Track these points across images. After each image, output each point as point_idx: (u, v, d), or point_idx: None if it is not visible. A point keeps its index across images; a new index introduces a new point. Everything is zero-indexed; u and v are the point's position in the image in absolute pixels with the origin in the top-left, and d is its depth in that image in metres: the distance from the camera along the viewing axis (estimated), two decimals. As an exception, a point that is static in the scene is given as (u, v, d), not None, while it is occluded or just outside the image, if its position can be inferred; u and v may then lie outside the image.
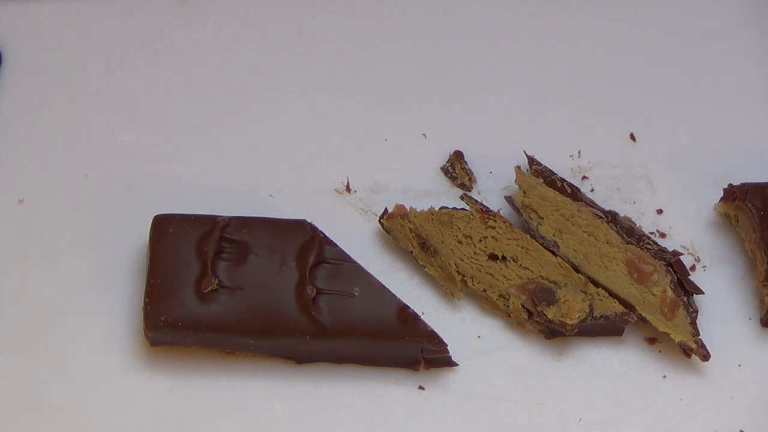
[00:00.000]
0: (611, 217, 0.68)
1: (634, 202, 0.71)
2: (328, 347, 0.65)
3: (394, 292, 0.65)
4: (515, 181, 0.69)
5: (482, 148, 0.72)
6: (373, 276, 0.66)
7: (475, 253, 0.68)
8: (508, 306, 0.67)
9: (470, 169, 0.72)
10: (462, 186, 0.71)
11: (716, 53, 0.75)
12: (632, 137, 0.73)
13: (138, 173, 0.72)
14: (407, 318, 0.65)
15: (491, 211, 0.68)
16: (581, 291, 0.67)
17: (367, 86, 0.74)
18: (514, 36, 0.76)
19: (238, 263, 0.65)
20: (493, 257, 0.68)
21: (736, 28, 0.76)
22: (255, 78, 0.74)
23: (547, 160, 0.70)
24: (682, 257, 0.67)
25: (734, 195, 0.68)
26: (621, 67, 0.75)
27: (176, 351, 0.67)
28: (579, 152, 0.72)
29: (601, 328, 0.67)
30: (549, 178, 0.69)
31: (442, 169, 0.72)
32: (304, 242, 0.66)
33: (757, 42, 0.75)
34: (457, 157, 0.72)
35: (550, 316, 0.66)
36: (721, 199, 0.69)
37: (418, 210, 0.68)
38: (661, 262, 0.67)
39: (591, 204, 0.69)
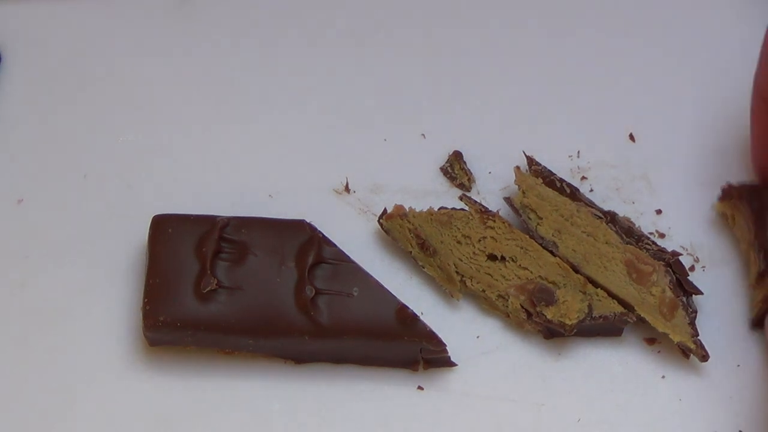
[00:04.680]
0: (610, 218, 0.68)
1: (634, 203, 0.71)
2: (327, 347, 0.65)
3: (393, 293, 0.65)
4: (514, 181, 0.69)
5: (482, 149, 0.72)
6: (372, 276, 0.66)
7: (474, 253, 0.68)
8: (507, 306, 0.67)
9: (469, 170, 0.72)
10: (461, 186, 0.71)
11: (717, 53, 0.75)
12: (632, 137, 0.73)
13: (138, 173, 0.72)
14: (406, 318, 0.65)
15: (490, 211, 0.68)
16: (580, 291, 0.67)
17: (366, 86, 0.74)
18: (514, 36, 0.76)
19: (237, 263, 0.65)
20: (492, 257, 0.68)
21: (736, 29, 0.76)
22: (254, 78, 0.75)
23: (546, 161, 0.70)
24: (681, 257, 0.67)
25: (732, 194, 0.67)
26: (621, 68, 0.75)
27: (175, 351, 0.67)
28: (578, 152, 0.72)
29: (600, 329, 0.67)
30: (548, 179, 0.69)
31: (442, 169, 0.72)
32: (303, 242, 0.66)
33: (757, 42, 0.75)
34: (457, 157, 0.72)
35: (549, 317, 0.66)
36: (720, 198, 0.69)
37: (417, 210, 0.68)
38: (660, 262, 0.67)
39: (590, 204, 0.69)
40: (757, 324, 0.67)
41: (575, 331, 0.66)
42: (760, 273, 0.66)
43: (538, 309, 0.66)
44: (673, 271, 0.67)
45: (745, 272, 0.68)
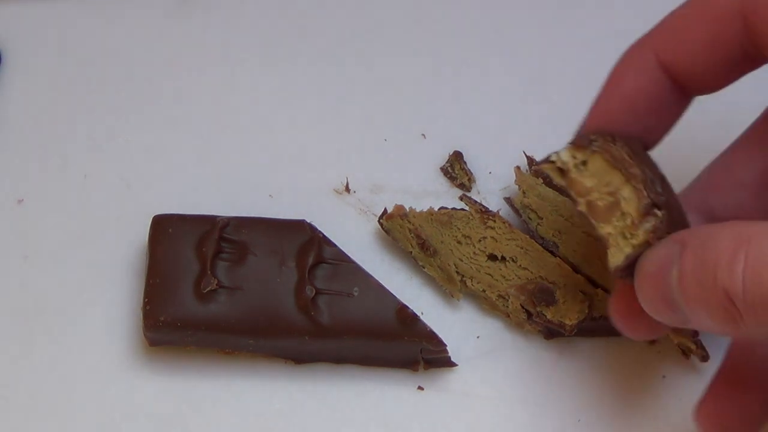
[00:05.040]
0: (610, 218, 0.68)
1: (634, 203, 0.71)
2: (328, 347, 0.65)
3: (393, 293, 0.65)
4: (515, 181, 0.69)
5: (482, 149, 0.72)
6: (372, 276, 0.66)
7: (474, 253, 0.68)
8: (508, 306, 0.67)
9: (470, 170, 0.72)
10: (461, 186, 0.71)
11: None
12: (632, 137, 0.72)
13: (138, 173, 0.72)
14: (406, 318, 0.65)
15: (490, 211, 0.68)
16: (580, 291, 0.67)
17: (366, 86, 0.74)
18: (515, 36, 0.76)
19: (238, 263, 0.65)
20: (492, 257, 0.68)
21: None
22: (255, 78, 0.75)
23: (546, 161, 0.70)
24: (681, 257, 0.67)
25: (591, 139, 0.60)
26: (621, 67, 0.75)
27: (175, 351, 0.67)
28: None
29: (601, 329, 0.67)
30: (548, 179, 0.69)
31: (442, 169, 0.72)
32: (304, 242, 0.66)
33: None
34: (457, 157, 0.72)
35: (549, 317, 0.66)
36: (575, 143, 0.61)
37: (418, 210, 0.68)
38: (661, 262, 0.66)
39: (590, 204, 0.69)
40: (625, 270, 0.59)
41: (575, 331, 0.66)
42: (648, 204, 0.59)
43: (538, 309, 0.66)
44: (673, 271, 0.66)
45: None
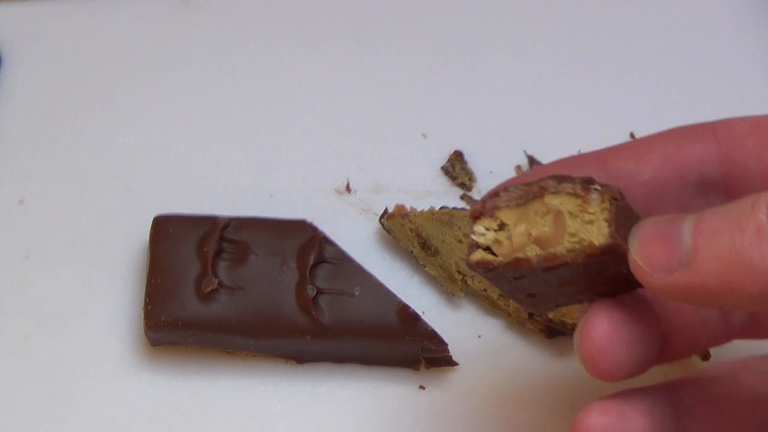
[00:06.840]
0: (611, 217, 0.68)
1: (635, 202, 0.71)
2: (329, 347, 0.65)
3: (394, 292, 0.65)
4: (515, 180, 0.69)
5: (482, 148, 0.73)
6: (373, 276, 0.66)
7: (475, 252, 0.67)
8: (509, 305, 0.67)
9: (470, 169, 0.72)
10: (462, 186, 0.71)
11: (718, 53, 0.75)
12: (632, 137, 0.73)
13: (138, 173, 0.72)
14: (407, 317, 0.65)
15: (491, 210, 0.68)
16: (581, 290, 0.66)
17: (367, 86, 0.74)
18: (515, 35, 0.76)
19: (239, 263, 0.65)
20: (493, 257, 0.68)
21: (738, 28, 0.76)
22: (255, 78, 0.75)
23: (547, 160, 0.70)
24: (682, 257, 0.67)
25: (483, 204, 0.54)
26: (621, 67, 0.75)
27: (176, 351, 0.67)
28: (579, 152, 0.72)
29: (602, 328, 0.67)
30: (549, 178, 0.69)
31: (442, 169, 0.72)
32: (305, 242, 0.66)
33: (759, 42, 0.75)
34: (457, 157, 0.72)
35: (550, 316, 0.66)
36: (473, 216, 0.54)
37: (419, 210, 0.69)
38: (662, 261, 0.66)
39: (591, 203, 0.68)
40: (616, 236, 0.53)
41: (576, 330, 0.66)
42: (582, 185, 0.53)
43: (539, 308, 0.66)
44: (674, 270, 0.66)
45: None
